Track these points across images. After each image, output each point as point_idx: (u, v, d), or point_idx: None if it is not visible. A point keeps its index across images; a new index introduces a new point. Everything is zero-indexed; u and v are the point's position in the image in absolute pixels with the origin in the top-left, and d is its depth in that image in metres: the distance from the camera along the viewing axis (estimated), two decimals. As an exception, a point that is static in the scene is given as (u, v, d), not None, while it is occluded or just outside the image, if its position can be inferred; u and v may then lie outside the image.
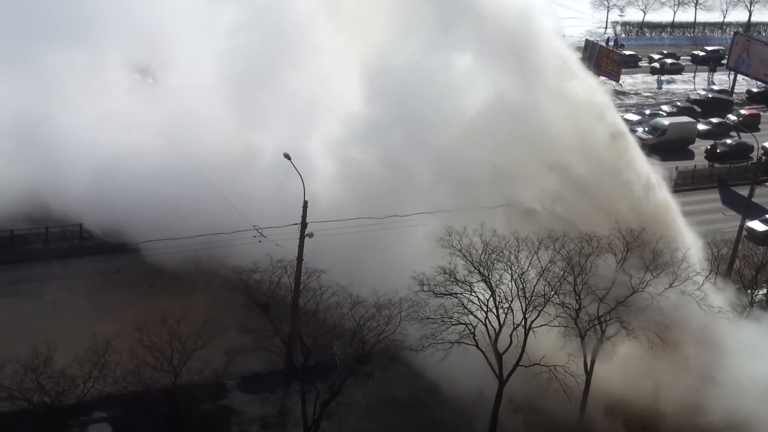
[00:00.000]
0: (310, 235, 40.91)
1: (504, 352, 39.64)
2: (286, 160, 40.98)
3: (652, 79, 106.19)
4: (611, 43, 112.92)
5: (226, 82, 52.75)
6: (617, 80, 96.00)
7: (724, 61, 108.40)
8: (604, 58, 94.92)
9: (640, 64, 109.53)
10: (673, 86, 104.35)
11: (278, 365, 40.18)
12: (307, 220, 40.95)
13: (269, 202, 46.44)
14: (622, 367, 43.08)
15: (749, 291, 50.64)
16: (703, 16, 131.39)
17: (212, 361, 37.47)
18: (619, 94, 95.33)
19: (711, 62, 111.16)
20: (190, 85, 53.75)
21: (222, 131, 51.34)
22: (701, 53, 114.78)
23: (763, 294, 52.84)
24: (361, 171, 48.23)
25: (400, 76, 48.29)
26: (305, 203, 40.80)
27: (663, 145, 78.67)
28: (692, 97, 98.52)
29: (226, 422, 41.63)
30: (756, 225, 65.49)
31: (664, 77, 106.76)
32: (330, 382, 36.10)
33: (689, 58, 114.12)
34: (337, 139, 49.74)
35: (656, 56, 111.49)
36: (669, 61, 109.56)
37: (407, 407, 42.82)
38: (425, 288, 39.68)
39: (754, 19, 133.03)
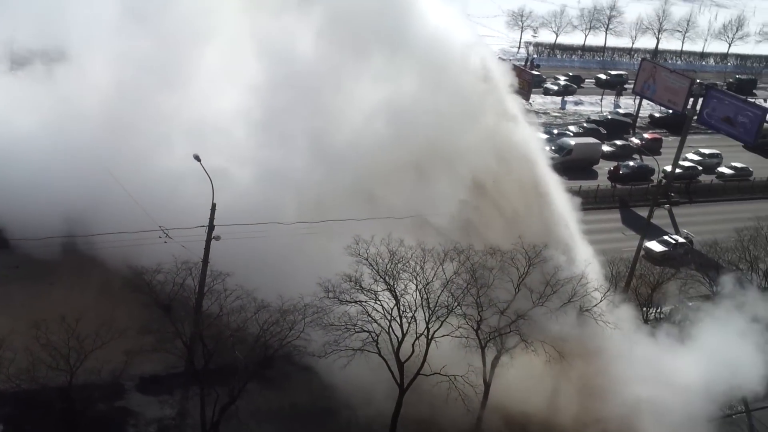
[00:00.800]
0: (217, 238, 40.59)
1: (406, 360, 40.08)
2: (196, 161, 40.56)
3: (567, 99, 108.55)
4: (528, 63, 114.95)
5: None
6: (527, 99, 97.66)
7: (627, 86, 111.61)
8: (516, 77, 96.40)
9: (545, 85, 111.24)
10: (580, 107, 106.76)
11: (178, 367, 39.68)
12: (215, 223, 40.60)
13: (177, 203, 45.84)
14: (520, 378, 43.87)
15: (644, 309, 52.24)
16: (613, 41, 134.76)
17: (110, 361, 36.86)
18: (528, 113, 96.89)
19: (617, 86, 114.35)
20: (101, 79, 52.58)
21: (134, 128, 50.36)
22: (606, 77, 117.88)
23: (657, 312, 54.63)
24: (268, 177, 48.05)
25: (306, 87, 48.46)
26: (213, 206, 40.44)
27: (568, 164, 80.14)
28: (592, 117, 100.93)
29: (122, 423, 40.89)
30: (653, 245, 67.54)
31: (572, 98, 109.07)
32: (230, 385, 35.80)
33: (593, 81, 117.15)
34: (243, 144, 49.43)
35: (562, 78, 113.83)
36: (562, 82, 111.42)
37: (308, 413, 42.76)
38: (330, 295, 39.83)
39: (661, 46, 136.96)
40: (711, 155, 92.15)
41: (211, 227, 40.66)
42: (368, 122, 48.67)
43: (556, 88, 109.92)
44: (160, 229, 41.79)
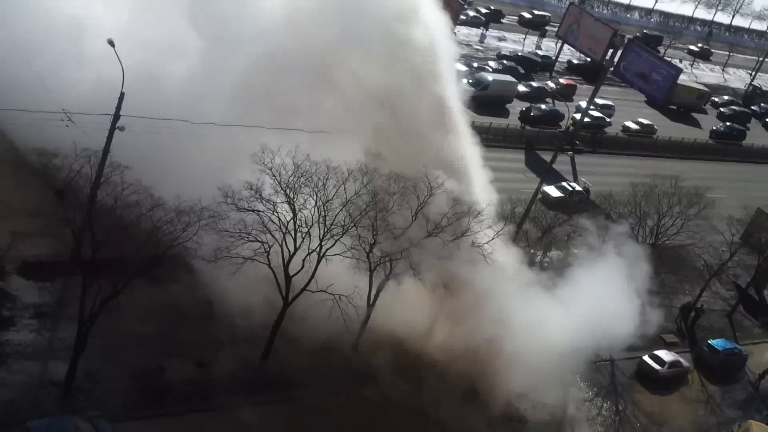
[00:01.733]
0: (121, 129, 39.84)
1: (294, 275, 40.55)
2: (110, 47, 39.38)
3: (487, 33, 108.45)
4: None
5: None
6: (453, 28, 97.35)
7: (549, 28, 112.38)
8: (445, 5, 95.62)
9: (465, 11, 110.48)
10: (503, 44, 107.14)
11: (64, 255, 39.14)
12: (121, 113, 39.81)
13: (83, 88, 44.72)
14: (403, 305, 44.99)
15: (532, 251, 53.83)
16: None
17: (-6, 239, 36.09)
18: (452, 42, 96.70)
19: (541, 26, 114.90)
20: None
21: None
22: (528, 15, 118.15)
23: (544, 256, 56.41)
24: (182, 73, 47.25)
25: None
26: (121, 95, 39.55)
27: (483, 100, 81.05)
28: (503, 53, 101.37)
29: (-4, 304, 40.39)
30: (551, 190, 69.19)
31: (496, 33, 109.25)
32: (115, 279, 35.59)
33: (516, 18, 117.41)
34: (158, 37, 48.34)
35: (483, 10, 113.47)
36: (471, 13, 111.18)
37: (190, 315, 43.04)
38: (228, 201, 39.68)
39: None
40: (604, 106, 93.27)
41: (116, 116, 39.83)
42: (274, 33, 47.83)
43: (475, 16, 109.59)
44: (63, 112, 40.76)
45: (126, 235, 36.26)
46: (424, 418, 42.94)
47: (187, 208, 38.11)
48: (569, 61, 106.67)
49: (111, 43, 39.03)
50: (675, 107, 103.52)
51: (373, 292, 43.32)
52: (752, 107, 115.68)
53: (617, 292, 49.18)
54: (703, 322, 60.38)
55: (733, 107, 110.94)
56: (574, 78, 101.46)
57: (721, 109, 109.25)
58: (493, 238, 45.48)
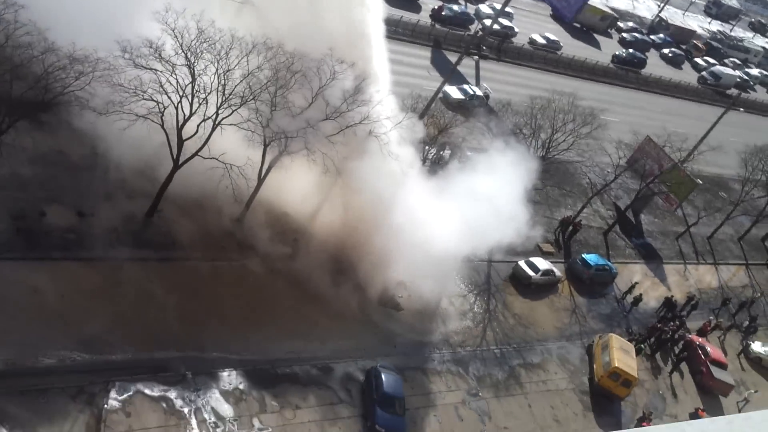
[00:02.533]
0: (19, -36, 38.13)
1: (188, 138, 40.09)
2: None
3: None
4: None
5: None
6: None
7: None
8: None
9: None
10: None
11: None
12: (19, -52, 37.99)
13: None
14: (293, 184, 45.16)
15: (427, 147, 54.43)
16: None
17: None
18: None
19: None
20: None
21: None
22: None
23: (437, 154, 57.17)
24: None
25: None
26: (23, -70, 37.76)
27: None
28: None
29: None
30: (452, 91, 69.40)
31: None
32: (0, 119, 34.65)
33: None
34: None
35: None
36: None
37: (76, 165, 42.30)
38: (126, 56, 38.67)
39: None
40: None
41: (14, -51, 38.05)
42: None
43: None
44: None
45: (14, 76, 35.05)
46: (302, 292, 43.73)
47: (82, 57, 37.16)
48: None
49: None
50: (579, 26, 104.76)
51: (265, 166, 43.27)
52: (652, 37, 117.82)
53: (503, 197, 50.29)
54: (579, 237, 62.51)
55: (635, 34, 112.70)
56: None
57: (624, 35, 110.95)
58: (390, 129, 45.63)
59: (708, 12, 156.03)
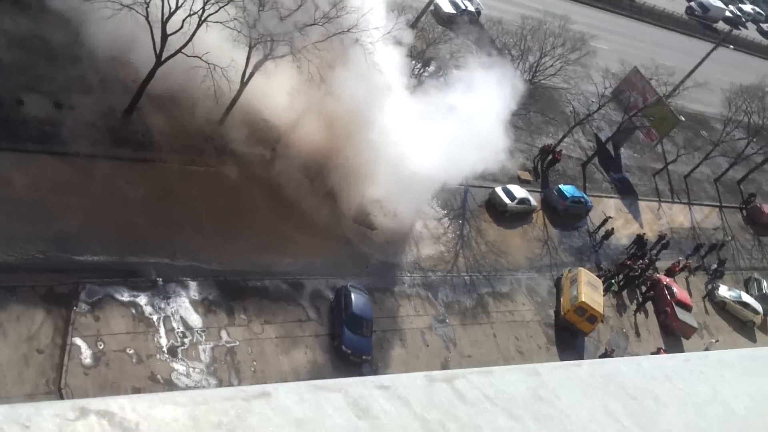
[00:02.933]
0: None
1: (172, 34, 38.62)
2: None
3: None
4: None
5: None
6: None
7: None
8: None
9: None
10: None
11: None
12: None
13: None
14: (276, 90, 43.87)
15: (414, 62, 53.03)
16: None
17: None
18: None
19: None
20: None
21: None
22: None
23: (424, 69, 55.81)
24: None
25: None
26: None
27: None
28: None
29: None
30: (443, 4, 67.67)
31: None
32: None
33: None
34: None
35: None
36: None
37: (57, 53, 40.60)
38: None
39: None
40: None
41: None
42: None
43: None
44: None
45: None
46: (277, 204, 43.02)
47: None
48: None
49: None
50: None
51: (249, 69, 41.90)
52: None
53: (485, 120, 49.39)
54: (558, 167, 61.97)
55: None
56: None
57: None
58: (377, 40, 44.29)
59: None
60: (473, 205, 53.52)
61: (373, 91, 44.83)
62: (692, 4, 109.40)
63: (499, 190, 54.83)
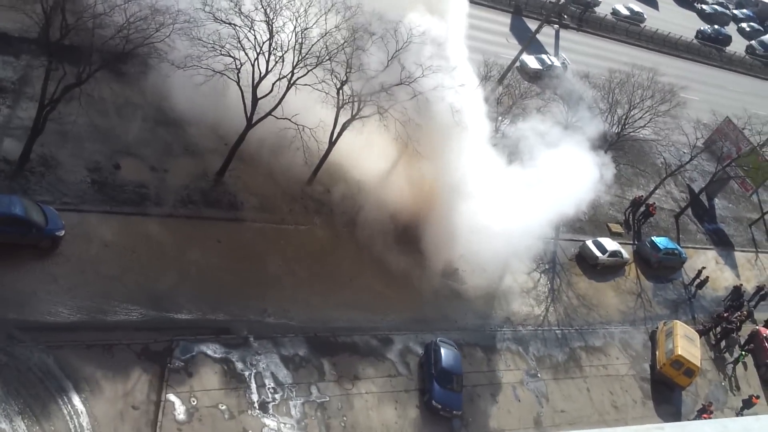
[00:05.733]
0: None
1: (262, 97, 39.81)
2: None
3: None
4: None
5: None
6: None
7: None
8: None
9: None
10: None
11: (32, 33, 37.73)
12: None
13: None
14: (364, 148, 44.63)
15: (500, 118, 53.34)
16: None
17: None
18: None
19: None
20: None
21: None
22: None
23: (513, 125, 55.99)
24: None
25: None
26: None
27: (480, -46, 78.74)
28: None
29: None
30: (530, 60, 68.00)
31: None
32: (80, 67, 34.61)
33: None
34: None
35: None
36: None
37: (150, 117, 42.51)
38: (207, 9, 38.53)
39: None
40: None
41: None
42: None
43: None
44: None
45: (97, 25, 34.92)
46: (365, 260, 43.57)
47: (163, 8, 37.07)
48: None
49: None
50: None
51: (337, 129, 42.81)
52: (735, 12, 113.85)
53: (574, 173, 49.23)
54: (650, 218, 61.08)
55: (716, 6, 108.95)
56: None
57: (703, 7, 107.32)
58: (464, 98, 44.71)
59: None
60: (563, 259, 53.08)
61: (459, 147, 45.22)
62: (753, 42, 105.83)
63: (589, 243, 54.33)
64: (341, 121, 42.57)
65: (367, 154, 45.14)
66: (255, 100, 39.88)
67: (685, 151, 64.88)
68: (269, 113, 40.10)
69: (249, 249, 40.49)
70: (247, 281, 38.91)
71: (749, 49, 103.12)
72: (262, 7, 38.97)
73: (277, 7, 39.26)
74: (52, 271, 34.39)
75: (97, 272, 35.09)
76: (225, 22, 38.89)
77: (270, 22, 38.94)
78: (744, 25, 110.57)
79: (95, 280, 34.82)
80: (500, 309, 47.05)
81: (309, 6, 39.88)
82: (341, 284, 41.95)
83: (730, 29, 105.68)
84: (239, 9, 38.87)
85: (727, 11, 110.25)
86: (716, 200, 69.99)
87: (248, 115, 40.20)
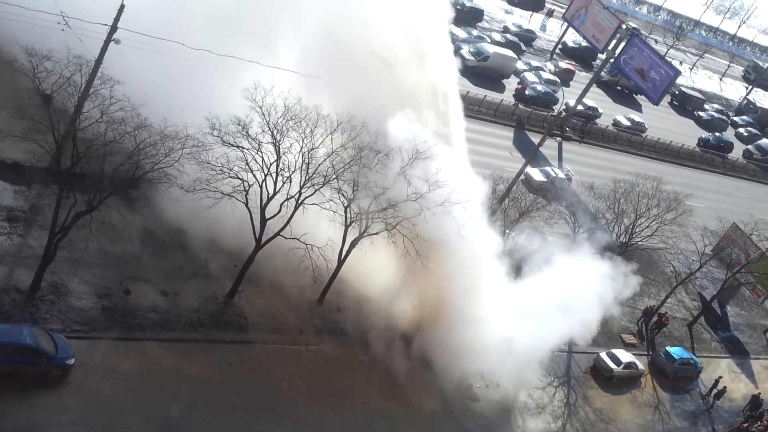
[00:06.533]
0: (117, 41, 39.07)
1: (270, 218, 40.10)
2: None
3: (497, 3, 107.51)
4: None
5: None
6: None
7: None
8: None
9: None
10: (508, 16, 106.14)
11: (43, 162, 38.29)
12: (119, 25, 38.88)
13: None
14: (374, 265, 44.65)
15: (507, 231, 53.51)
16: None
17: (-27, 136, 35.34)
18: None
19: (548, 10, 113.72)
20: None
21: None
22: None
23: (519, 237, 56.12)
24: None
25: None
26: (121, 6, 38.69)
27: (481, 71, 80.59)
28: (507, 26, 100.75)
29: (-31, 201, 39.55)
30: (534, 173, 68.68)
31: (504, 6, 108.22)
32: (91, 195, 35.04)
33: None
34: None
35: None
36: None
37: (161, 242, 42.76)
38: (215, 133, 39.19)
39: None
40: (549, 81, 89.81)
41: (113, 28, 39.04)
42: None
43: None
44: (61, 15, 39.51)
45: (107, 152, 35.48)
46: (378, 380, 43.09)
47: (172, 134, 37.71)
48: (564, 44, 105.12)
49: None
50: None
51: (346, 247, 42.98)
52: (735, 118, 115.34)
53: (584, 287, 49.08)
54: (663, 328, 60.53)
55: (712, 113, 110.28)
56: (573, 63, 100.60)
57: (700, 114, 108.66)
58: (470, 212, 44.87)
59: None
60: (578, 372, 52.36)
61: (468, 262, 45.22)
62: (750, 147, 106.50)
63: (603, 355, 53.69)
64: (350, 238, 42.73)
65: (376, 271, 45.11)
66: (263, 220, 40.15)
67: (694, 258, 64.82)
68: (278, 233, 40.32)
69: (260, 371, 39.99)
70: (258, 404, 38.27)
71: (746, 154, 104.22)
72: (269, 129, 39.62)
73: (284, 128, 39.88)
74: (62, 400, 33.88)
75: (107, 401, 34.57)
76: (233, 145, 39.52)
77: (277, 144, 39.54)
78: (742, 130, 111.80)
79: (106, 408, 34.27)
80: (516, 425, 46.12)
81: (315, 126, 40.52)
82: (353, 408, 41.31)
83: (728, 134, 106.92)
84: (246, 132, 39.50)
85: (724, 117, 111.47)
86: (728, 307, 69.52)
87: (257, 236, 40.39)
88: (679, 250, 65.62)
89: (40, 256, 36.45)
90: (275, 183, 39.70)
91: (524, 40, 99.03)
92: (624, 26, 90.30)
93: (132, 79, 38.93)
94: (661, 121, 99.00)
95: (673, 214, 61.87)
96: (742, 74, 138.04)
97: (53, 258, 36.20)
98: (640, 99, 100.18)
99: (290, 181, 39.99)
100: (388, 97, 46.66)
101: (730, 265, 64.90)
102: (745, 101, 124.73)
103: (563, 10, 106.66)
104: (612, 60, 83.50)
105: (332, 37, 46.05)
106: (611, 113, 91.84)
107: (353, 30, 46.23)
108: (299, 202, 40.22)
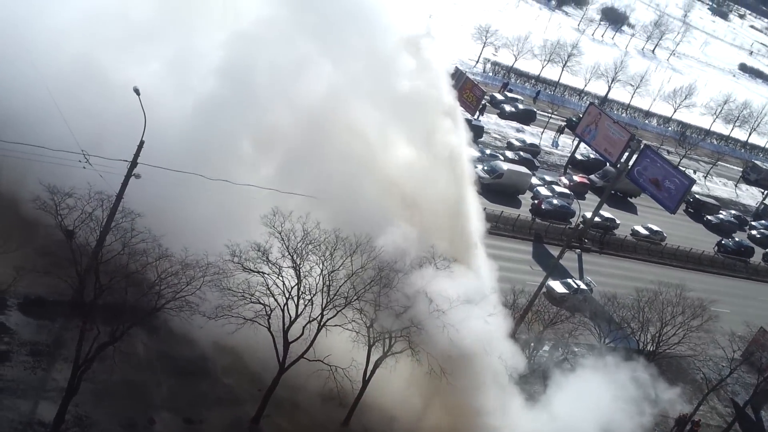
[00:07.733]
0: (137, 176, 40.06)
1: (293, 341, 40.17)
2: (135, 94, 39.68)
3: (505, 123, 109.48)
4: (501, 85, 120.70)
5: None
6: (473, 114, 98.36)
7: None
8: (467, 90, 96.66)
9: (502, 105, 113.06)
10: (520, 134, 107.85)
11: (66, 296, 38.89)
12: (139, 161, 40.02)
13: (104, 131, 44.89)
14: (399, 383, 44.35)
15: (532, 345, 53.21)
16: (568, 79, 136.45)
17: (-1, 274, 36.00)
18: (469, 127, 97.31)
19: (560, 126, 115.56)
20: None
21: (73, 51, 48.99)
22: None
23: (544, 350, 55.72)
24: (202, 133, 47.38)
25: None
26: (141, 143, 39.87)
27: (496, 188, 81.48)
28: (513, 141, 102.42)
29: (-5, 338, 40.03)
30: (556, 285, 68.72)
31: (516, 125, 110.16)
32: (114, 326, 35.37)
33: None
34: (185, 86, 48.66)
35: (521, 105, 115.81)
36: (521, 106, 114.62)
37: (185, 369, 42.71)
38: (235, 259, 39.67)
39: (611, 95, 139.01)
40: (562, 194, 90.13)
41: (133, 164, 40.07)
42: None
43: (512, 110, 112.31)
44: (82, 153, 40.75)
45: (129, 283, 35.99)
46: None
47: (193, 262, 38.14)
48: (572, 157, 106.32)
49: (137, 91, 39.37)
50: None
51: (370, 367, 42.81)
52: (753, 223, 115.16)
53: (613, 399, 48.37)
54: (698, 437, 59.30)
55: (721, 216, 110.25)
56: (586, 176, 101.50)
57: (709, 218, 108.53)
58: (494, 326, 44.88)
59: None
60: (612, 487, 50.99)
61: (494, 377, 44.90)
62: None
63: (638, 468, 52.37)
64: (373, 358, 42.62)
65: (402, 389, 44.75)
66: (286, 344, 40.21)
67: (724, 364, 63.80)
68: (301, 356, 40.31)
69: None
70: None
71: (766, 257, 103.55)
72: (289, 254, 40.11)
73: (304, 252, 40.36)
74: None
75: None
76: (254, 271, 39.96)
77: (297, 267, 39.95)
78: (755, 232, 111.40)
79: None
80: None
81: (335, 249, 40.96)
82: None
83: (741, 236, 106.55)
84: (267, 257, 39.99)
85: (733, 219, 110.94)
86: (762, 412, 68.00)
87: (280, 359, 40.39)
88: (708, 356, 64.60)
89: (63, 389, 36.47)
90: (297, 306, 39.95)
91: (530, 154, 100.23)
92: (635, 139, 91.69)
93: (152, 210, 39.72)
94: (676, 229, 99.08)
95: (699, 320, 61.21)
96: (741, 175, 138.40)
97: (77, 390, 36.21)
98: (656, 206, 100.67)
99: (312, 304, 40.20)
100: (405, 215, 47.53)
101: (761, 369, 63.85)
102: (762, 206, 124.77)
103: (556, 121, 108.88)
104: (625, 173, 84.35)
105: (349, 163, 47.29)
106: (629, 224, 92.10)
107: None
108: (321, 324, 40.33)
